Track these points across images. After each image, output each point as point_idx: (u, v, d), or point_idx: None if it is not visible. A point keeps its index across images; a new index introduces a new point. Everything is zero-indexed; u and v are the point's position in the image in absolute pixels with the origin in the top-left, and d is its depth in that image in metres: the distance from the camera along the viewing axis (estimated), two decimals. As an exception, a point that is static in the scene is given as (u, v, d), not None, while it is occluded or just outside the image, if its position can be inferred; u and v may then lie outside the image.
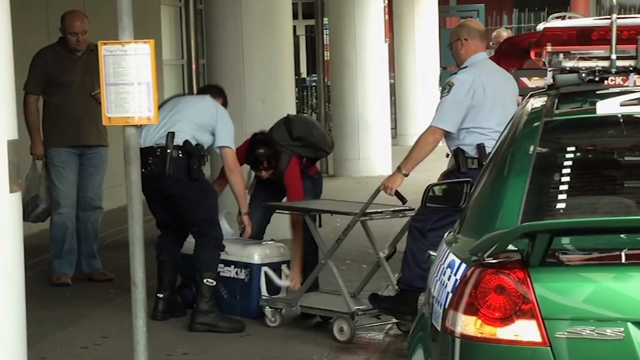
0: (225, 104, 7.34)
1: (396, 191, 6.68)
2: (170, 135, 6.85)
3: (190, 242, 7.17)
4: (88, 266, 8.45)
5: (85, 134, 8.23)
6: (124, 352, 5.71)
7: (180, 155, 6.86)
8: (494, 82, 6.60)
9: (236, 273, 7.18)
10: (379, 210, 6.87)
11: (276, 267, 7.18)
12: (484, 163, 6.12)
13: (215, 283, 6.93)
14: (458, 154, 6.53)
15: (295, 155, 7.39)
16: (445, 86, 6.63)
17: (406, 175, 6.62)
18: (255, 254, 7.12)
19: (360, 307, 6.75)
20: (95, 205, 8.44)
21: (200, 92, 7.81)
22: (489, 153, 6.08)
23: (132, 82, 5.04)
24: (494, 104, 6.52)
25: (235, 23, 9.86)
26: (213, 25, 10.00)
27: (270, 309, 7.05)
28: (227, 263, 7.14)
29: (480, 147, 6.44)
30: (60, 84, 8.16)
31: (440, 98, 6.67)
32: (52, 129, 8.22)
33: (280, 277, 7.17)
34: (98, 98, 8.06)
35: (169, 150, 6.83)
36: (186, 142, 6.86)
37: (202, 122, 7.00)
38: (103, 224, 8.71)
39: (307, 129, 7.51)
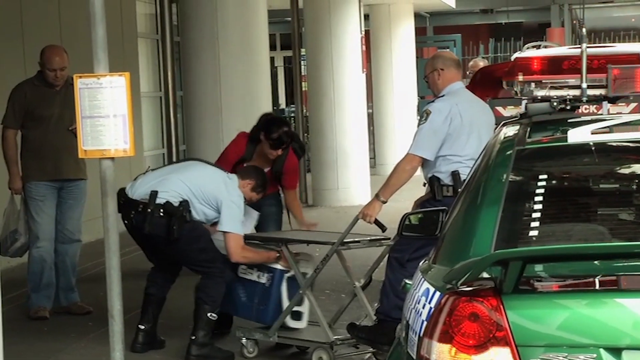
0: (255, 187, 7.10)
1: (375, 219, 6.70)
2: (154, 194, 6.79)
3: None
4: (66, 299, 8.42)
5: (64, 167, 8.22)
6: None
7: (162, 214, 6.78)
8: (470, 111, 6.66)
9: (258, 277, 7.01)
10: (357, 239, 6.88)
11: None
12: (459, 190, 6.17)
13: (216, 317, 6.93)
14: (433, 182, 6.56)
15: (292, 147, 7.53)
16: (423, 114, 6.67)
17: (384, 202, 6.64)
18: (280, 261, 6.95)
19: (338, 337, 6.75)
20: (75, 239, 8.42)
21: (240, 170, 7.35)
22: (464, 180, 6.14)
23: (107, 115, 5.07)
24: (470, 132, 6.57)
25: (213, 55, 9.90)
26: (190, 57, 10.04)
27: (246, 340, 7.04)
28: (251, 265, 7.01)
29: (455, 175, 6.48)
30: (39, 118, 8.16)
31: (418, 126, 6.70)
32: (31, 163, 8.21)
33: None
34: (75, 132, 8.09)
35: (149, 209, 6.77)
36: (167, 202, 6.78)
37: (204, 195, 6.88)
38: (82, 257, 8.69)
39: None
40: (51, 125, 8.14)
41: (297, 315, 7.00)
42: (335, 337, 6.73)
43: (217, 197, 6.86)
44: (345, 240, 6.79)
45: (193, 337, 6.84)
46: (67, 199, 8.34)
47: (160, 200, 6.77)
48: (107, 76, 5.04)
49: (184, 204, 6.80)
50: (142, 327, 7.03)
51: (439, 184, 6.53)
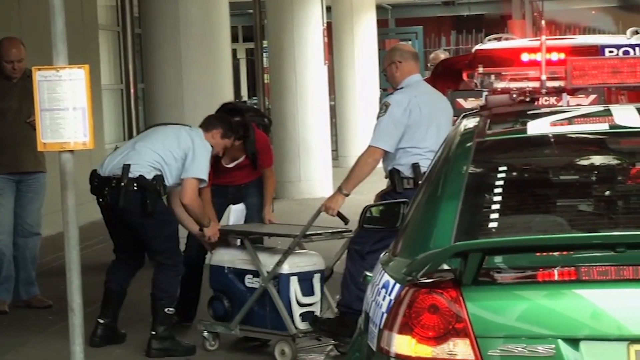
0: (224, 134, 7.10)
1: (338, 212, 6.70)
2: (126, 167, 6.74)
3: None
4: (26, 293, 8.36)
5: (22, 160, 8.15)
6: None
7: (135, 188, 6.75)
8: (429, 103, 6.67)
9: (261, 284, 6.84)
10: (319, 232, 6.88)
11: (307, 277, 6.81)
12: (420, 182, 6.20)
13: (174, 311, 6.92)
14: (394, 174, 6.57)
15: (255, 123, 7.52)
16: (382, 106, 6.69)
17: (347, 195, 6.66)
18: (284, 263, 6.76)
19: (300, 329, 6.75)
20: (34, 232, 8.36)
21: (204, 121, 7.28)
22: (424, 173, 6.15)
23: (67, 108, 5.03)
24: (429, 124, 6.58)
25: (174, 46, 9.85)
26: (152, 49, 9.99)
27: (208, 333, 7.02)
28: (256, 273, 6.86)
29: (416, 167, 6.50)
30: None
31: (377, 118, 6.71)
32: None
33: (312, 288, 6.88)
34: (33, 124, 8.03)
35: (123, 183, 6.73)
36: (140, 176, 6.75)
37: (170, 156, 6.85)
38: (42, 250, 8.63)
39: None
40: (9, 118, 8.07)
41: (305, 316, 6.80)
42: (297, 329, 6.72)
43: (185, 150, 6.85)
44: (307, 233, 6.78)
45: (153, 332, 6.83)
46: (26, 192, 8.27)
47: (133, 173, 6.74)
48: (67, 69, 5.00)
49: (158, 178, 6.79)
50: (102, 321, 6.98)
51: (400, 177, 6.54)
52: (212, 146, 6.97)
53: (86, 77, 5.01)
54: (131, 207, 6.75)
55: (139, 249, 7.05)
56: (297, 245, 6.81)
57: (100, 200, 6.83)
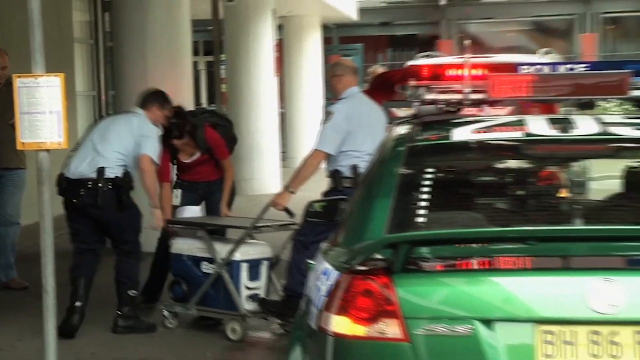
0: (162, 105, 7.04)
1: (285, 207, 6.70)
2: (101, 170, 6.67)
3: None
4: (6, 276, 8.29)
5: (5, 158, 8.07)
6: (37, 353, 5.60)
7: (111, 187, 6.68)
8: (367, 112, 6.71)
9: (215, 269, 6.84)
10: (268, 224, 6.88)
11: (256, 264, 6.84)
12: (357, 181, 6.23)
13: (137, 293, 6.89)
14: (335, 175, 6.59)
15: (207, 123, 7.45)
16: (325, 114, 6.72)
17: (293, 193, 6.66)
18: (236, 252, 6.77)
19: (249, 310, 6.74)
20: (14, 222, 8.30)
21: (141, 101, 7.16)
22: (362, 173, 6.18)
23: (44, 111, 4.99)
24: (367, 130, 6.60)
25: (142, 58, 9.80)
26: (121, 60, 9.93)
27: (168, 312, 6.99)
28: (211, 260, 6.85)
29: (355, 168, 6.52)
30: None
31: (321, 125, 6.72)
32: None
33: (258, 273, 6.88)
34: (14, 126, 7.95)
35: (100, 185, 6.65)
36: (116, 177, 6.70)
37: (129, 148, 6.79)
38: (20, 238, 8.55)
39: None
40: None
41: (252, 298, 6.82)
42: (247, 309, 6.71)
43: (137, 138, 6.80)
44: (257, 225, 6.78)
45: (119, 312, 6.80)
46: (8, 186, 8.20)
47: (108, 174, 6.67)
48: (44, 76, 4.96)
49: (127, 174, 6.76)
50: (79, 304, 6.74)
51: (340, 177, 6.57)
52: (154, 123, 6.93)
53: (62, 84, 4.97)
54: (108, 205, 6.68)
55: (101, 241, 6.93)
56: (247, 236, 6.81)
57: (74, 200, 6.70)
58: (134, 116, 6.98)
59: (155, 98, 7.09)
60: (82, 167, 6.73)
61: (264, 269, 6.87)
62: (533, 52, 13.47)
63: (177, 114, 7.36)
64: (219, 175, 7.52)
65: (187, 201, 7.49)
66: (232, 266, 6.79)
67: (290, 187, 6.66)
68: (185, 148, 7.42)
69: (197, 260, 6.94)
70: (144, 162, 6.81)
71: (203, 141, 7.39)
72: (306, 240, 6.40)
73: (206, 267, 6.91)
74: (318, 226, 6.07)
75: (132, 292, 6.83)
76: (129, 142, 6.81)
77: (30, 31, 4.91)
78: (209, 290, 6.86)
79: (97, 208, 6.69)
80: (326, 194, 6.61)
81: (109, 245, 7.05)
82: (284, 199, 6.65)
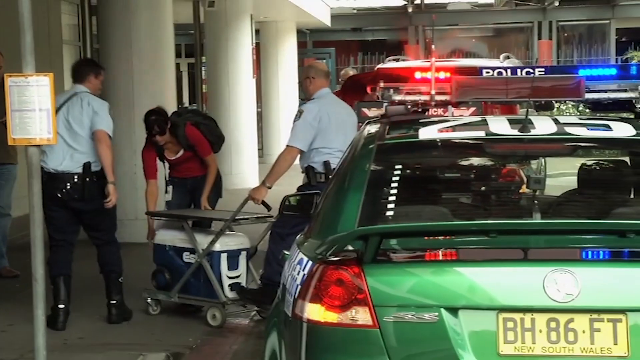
0: (96, 73, 6.80)
1: (262, 200, 6.67)
2: (87, 165, 6.52)
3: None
4: (-2, 265, 8.22)
5: None
6: (27, 338, 5.54)
7: (95, 180, 6.55)
8: (336, 111, 6.71)
9: (196, 259, 6.80)
10: (246, 217, 6.85)
11: (235, 254, 6.82)
12: (330, 177, 6.22)
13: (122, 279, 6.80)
14: (309, 171, 6.58)
15: (189, 121, 7.37)
16: (297, 113, 6.72)
17: (270, 188, 6.65)
18: (217, 243, 6.74)
19: (229, 298, 6.71)
20: (5, 213, 8.23)
21: (76, 75, 6.85)
22: (334, 169, 6.17)
23: (34, 109, 4.94)
24: (337, 128, 6.60)
25: (127, 60, 9.75)
26: (108, 61, 9.83)
27: (151, 300, 6.95)
28: (192, 251, 6.82)
29: (327, 164, 6.51)
30: None
31: (293, 123, 6.71)
32: None
33: (237, 263, 6.84)
34: (5, 123, 7.88)
35: (87, 179, 6.52)
36: (100, 170, 6.56)
37: (89, 135, 6.58)
38: (11, 229, 8.47)
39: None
40: None
41: (234, 286, 6.78)
42: (227, 297, 6.68)
43: (93, 119, 6.55)
44: (236, 218, 6.75)
45: (114, 301, 6.65)
46: (0, 180, 8.12)
47: (94, 168, 6.53)
48: (34, 76, 4.90)
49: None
50: (62, 306, 6.54)
51: (313, 172, 6.56)
52: (94, 93, 6.70)
53: (51, 83, 4.92)
54: (93, 197, 6.55)
55: (76, 232, 6.76)
56: (227, 228, 6.78)
57: (59, 195, 6.51)
58: (79, 97, 6.64)
59: (88, 68, 6.85)
60: (65, 163, 6.55)
61: (242, 259, 6.84)
62: (494, 57, 13.52)
63: (156, 112, 7.31)
64: (205, 171, 7.46)
65: (176, 196, 7.43)
66: (212, 256, 6.76)
67: (266, 182, 6.65)
68: (169, 146, 7.38)
69: (179, 251, 6.91)
70: (100, 135, 6.54)
71: (184, 138, 7.34)
72: (282, 232, 6.37)
73: (187, 257, 6.88)
74: (293, 219, 6.05)
75: (120, 280, 6.74)
76: (89, 125, 6.59)
77: (21, 32, 4.86)
78: (190, 278, 6.82)
79: (82, 201, 6.56)
80: (300, 188, 6.58)
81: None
82: (260, 193, 6.64)
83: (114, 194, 6.57)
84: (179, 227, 6.97)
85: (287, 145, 6.63)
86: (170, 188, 7.48)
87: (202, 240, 6.82)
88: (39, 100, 4.92)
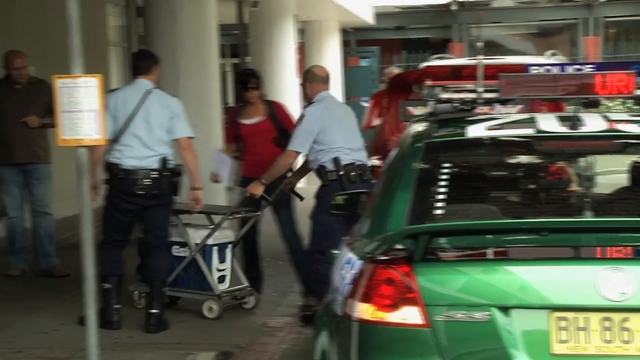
0: (158, 62, 6.86)
1: (262, 195, 6.94)
2: (164, 160, 6.49)
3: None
4: (45, 264, 8.32)
5: (17, 153, 8.08)
6: (78, 337, 5.60)
7: (171, 176, 6.54)
8: (336, 112, 6.83)
9: (191, 252, 6.92)
10: (239, 211, 7.13)
11: (223, 247, 7.01)
12: (340, 173, 6.35)
13: (166, 289, 6.80)
14: (320, 171, 6.68)
15: None
16: (300, 117, 6.84)
17: (265, 184, 6.88)
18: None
19: (224, 290, 6.88)
20: (43, 212, 8.30)
21: (140, 68, 6.77)
22: (345, 164, 6.44)
23: (82, 110, 4.97)
24: (339, 127, 6.71)
25: (172, 60, 9.77)
26: (153, 62, 9.88)
27: (137, 293, 7.03)
28: (182, 244, 6.94)
29: (336, 160, 6.62)
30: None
31: (296, 127, 6.82)
32: None
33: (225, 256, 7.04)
34: (28, 124, 8.03)
35: (165, 173, 6.49)
36: (176, 165, 6.57)
37: (167, 137, 6.58)
38: (63, 228, 8.57)
39: None
40: (8, 118, 7.99)
41: (221, 279, 7.00)
42: (222, 290, 6.86)
43: (173, 122, 6.55)
44: (233, 212, 7.05)
45: (154, 310, 6.53)
46: (31, 179, 8.26)
47: (170, 164, 6.53)
48: (83, 77, 4.95)
49: (180, 166, 6.61)
50: (117, 306, 6.59)
51: (325, 171, 6.66)
52: (156, 84, 6.67)
53: (99, 84, 4.96)
54: (166, 192, 6.51)
55: (130, 236, 6.73)
56: (224, 220, 6.95)
57: (136, 191, 6.41)
58: (155, 96, 6.57)
59: (150, 60, 6.81)
60: (144, 160, 6.46)
61: (228, 252, 7.06)
62: (538, 54, 13.39)
63: (246, 68, 7.55)
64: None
65: (244, 198, 7.29)
66: (204, 250, 6.92)
67: (262, 178, 6.89)
68: (252, 108, 7.35)
69: (168, 245, 6.87)
70: (184, 144, 6.60)
71: (271, 104, 7.45)
72: (321, 247, 6.46)
73: (177, 251, 6.96)
74: (329, 232, 6.24)
75: (163, 290, 6.70)
76: (167, 126, 6.58)
77: (69, 35, 4.90)
78: (180, 272, 6.92)
79: (158, 197, 6.47)
80: (321, 189, 6.65)
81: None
82: (257, 189, 6.88)
83: (201, 199, 6.67)
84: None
85: (287, 149, 6.77)
86: (239, 189, 7.42)
87: (193, 235, 6.94)
88: (88, 101, 4.96)
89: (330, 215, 6.30)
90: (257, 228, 7.38)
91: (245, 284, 7.11)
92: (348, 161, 6.59)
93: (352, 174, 6.57)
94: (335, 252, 4.19)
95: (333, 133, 6.65)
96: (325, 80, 6.97)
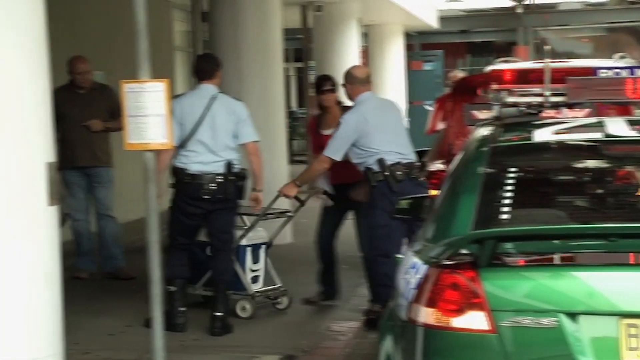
0: (221, 66, 6.84)
1: (295, 196, 7.01)
2: (229, 165, 6.53)
3: None
4: (110, 266, 8.44)
5: (82, 157, 8.19)
6: (144, 339, 5.67)
7: (236, 180, 6.58)
8: (377, 114, 6.78)
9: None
10: (271, 212, 7.18)
11: (257, 248, 7.12)
12: (386, 174, 6.30)
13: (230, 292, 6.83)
14: (367, 173, 6.68)
15: None
16: (338, 123, 6.84)
17: (299, 187, 6.96)
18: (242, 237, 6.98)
19: (257, 290, 6.97)
20: (107, 214, 8.40)
21: (204, 73, 6.76)
22: (389, 164, 6.51)
23: (149, 114, 5.02)
24: (381, 130, 6.69)
25: (236, 65, 9.87)
26: (218, 67, 9.96)
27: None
28: None
29: (381, 161, 6.62)
30: (61, 115, 8.15)
31: (333, 133, 6.86)
32: (61, 154, 8.22)
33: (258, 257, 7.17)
34: (90, 128, 8.15)
35: (231, 178, 6.54)
36: (242, 169, 6.63)
37: (233, 142, 6.62)
38: (129, 232, 8.65)
39: None
40: (70, 122, 8.06)
41: (255, 279, 7.09)
42: (255, 290, 6.95)
43: (239, 127, 6.60)
44: (267, 212, 7.09)
45: (220, 313, 6.56)
46: (93, 183, 8.37)
47: (235, 169, 6.58)
48: (149, 82, 5.00)
49: (245, 170, 6.65)
50: (182, 308, 6.65)
51: (372, 173, 6.66)
52: (219, 87, 6.67)
53: (165, 89, 5.01)
54: (231, 196, 6.57)
55: (197, 237, 6.79)
56: (257, 222, 7.03)
57: (203, 195, 6.45)
58: (220, 101, 6.59)
59: (213, 64, 6.79)
60: (210, 165, 6.50)
61: (262, 253, 7.12)
62: (606, 57, 13.20)
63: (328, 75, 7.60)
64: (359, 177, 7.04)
65: (336, 203, 7.28)
66: (238, 250, 6.96)
67: (297, 180, 6.97)
68: (329, 117, 7.30)
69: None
70: (252, 149, 6.67)
71: (347, 109, 7.14)
72: (386, 250, 6.46)
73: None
74: (393, 233, 6.26)
75: (228, 292, 6.73)
76: (233, 132, 6.62)
77: (137, 40, 4.96)
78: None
79: (223, 201, 6.51)
80: (371, 189, 6.64)
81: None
82: (291, 190, 6.92)
83: (261, 200, 6.77)
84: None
85: (322, 154, 6.82)
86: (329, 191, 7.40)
87: None
88: (154, 105, 5.01)
89: (385, 216, 6.37)
90: (336, 233, 7.35)
91: (279, 284, 7.17)
92: (393, 161, 6.59)
93: (398, 173, 6.57)
94: (400, 256, 4.19)
95: (374, 137, 6.65)
96: (365, 81, 6.95)
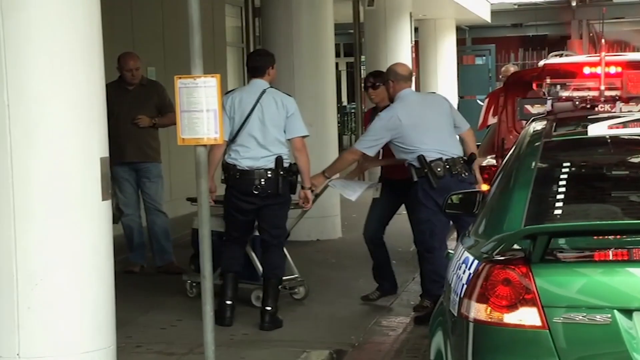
0: (274, 62, 6.77)
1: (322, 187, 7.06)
2: (279, 160, 6.52)
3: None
4: (161, 260, 8.49)
5: (131, 152, 8.23)
6: (195, 333, 5.72)
7: (286, 175, 6.56)
8: (415, 113, 6.74)
9: None
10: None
11: None
12: (425, 170, 6.28)
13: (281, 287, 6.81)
14: (410, 168, 6.69)
15: None
16: (375, 117, 6.88)
17: (328, 178, 6.98)
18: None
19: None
20: (156, 209, 8.43)
21: (257, 70, 6.73)
22: (430, 161, 6.50)
23: (202, 110, 5.05)
24: (420, 128, 6.66)
25: (288, 60, 9.89)
26: (270, 62, 10.00)
27: (190, 282, 7.21)
28: None
29: (421, 158, 6.62)
30: (111, 111, 8.20)
31: (369, 125, 6.89)
32: (110, 149, 8.27)
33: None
34: (138, 124, 8.20)
35: (281, 172, 6.53)
36: (291, 164, 6.61)
37: (282, 136, 6.60)
38: (180, 227, 8.70)
39: None
40: (119, 118, 8.05)
41: None
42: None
43: (288, 121, 6.57)
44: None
45: (269, 308, 6.56)
46: (142, 178, 8.41)
47: (285, 164, 6.56)
48: (202, 77, 5.03)
49: (295, 165, 6.63)
50: (230, 302, 6.65)
51: (415, 169, 6.66)
52: (272, 83, 6.67)
53: (218, 84, 5.04)
54: (284, 191, 6.57)
55: (250, 233, 6.83)
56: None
57: (253, 190, 6.47)
58: (270, 95, 6.58)
59: (267, 61, 6.72)
60: (260, 160, 6.51)
61: None
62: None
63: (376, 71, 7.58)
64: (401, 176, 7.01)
65: (385, 195, 7.23)
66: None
67: (325, 172, 6.96)
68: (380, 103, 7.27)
69: (219, 235, 6.79)
70: (298, 145, 6.62)
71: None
72: (429, 246, 6.48)
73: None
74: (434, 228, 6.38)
75: (279, 287, 6.73)
76: (283, 126, 6.61)
77: (190, 36, 5.00)
78: None
79: (274, 196, 6.52)
80: (415, 183, 6.65)
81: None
82: (318, 181, 6.92)
83: (310, 198, 6.76)
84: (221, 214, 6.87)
85: (353, 146, 6.85)
86: (379, 185, 7.37)
87: None
88: (207, 101, 5.04)
89: (427, 212, 6.39)
90: (384, 225, 7.27)
91: (296, 274, 7.18)
92: (434, 157, 6.55)
93: (439, 169, 6.54)
94: (451, 251, 4.18)
95: (411, 136, 6.65)
96: (408, 78, 6.97)
